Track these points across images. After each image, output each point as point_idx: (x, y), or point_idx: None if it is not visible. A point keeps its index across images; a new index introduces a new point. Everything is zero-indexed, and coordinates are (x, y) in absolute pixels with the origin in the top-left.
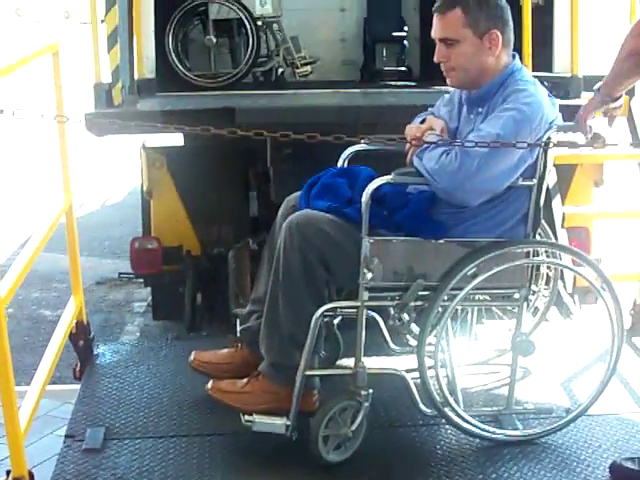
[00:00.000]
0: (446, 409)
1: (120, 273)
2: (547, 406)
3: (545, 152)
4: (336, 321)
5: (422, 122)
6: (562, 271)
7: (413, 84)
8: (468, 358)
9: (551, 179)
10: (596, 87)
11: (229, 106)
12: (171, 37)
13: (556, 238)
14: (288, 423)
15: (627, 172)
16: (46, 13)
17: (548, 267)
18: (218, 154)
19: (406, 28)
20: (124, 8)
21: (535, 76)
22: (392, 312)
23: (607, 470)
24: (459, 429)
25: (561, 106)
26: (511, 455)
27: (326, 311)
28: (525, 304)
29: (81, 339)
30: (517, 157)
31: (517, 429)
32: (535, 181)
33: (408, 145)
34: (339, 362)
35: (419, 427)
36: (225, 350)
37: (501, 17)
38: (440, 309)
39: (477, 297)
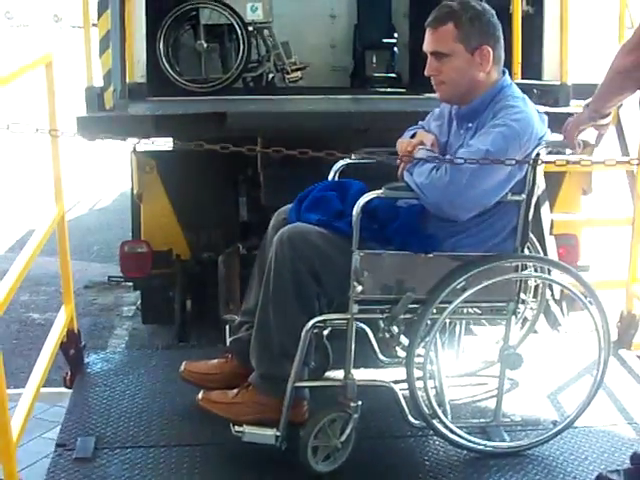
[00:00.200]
0: (434, 421)
1: (109, 277)
2: (534, 418)
3: (534, 168)
4: (325, 332)
5: (412, 136)
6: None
7: (402, 90)
8: (456, 370)
9: (540, 186)
10: (585, 103)
11: (220, 111)
12: (162, 42)
13: (544, 250)
14: (278, 434)
15: (615, 180)
16: (36, 16)
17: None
18: (208, 158)
19: (396, 35)
20: (116, 12)
21: (525, 84)
22: (382, 325)
23: None
24: (447, 440)
25: (551, 113)
26: (498, 467)
27: (316, 323)
28: (513, 317)
29: (72, 348)
30: (506, 173)
31: (504, 441)
32: (524, 196)
33: (399, 159)
34: (328, 373)
35: (407, 438)
36: (215, 361)
37: (493, 34)
38: (429, 322)
39: (466, 310)
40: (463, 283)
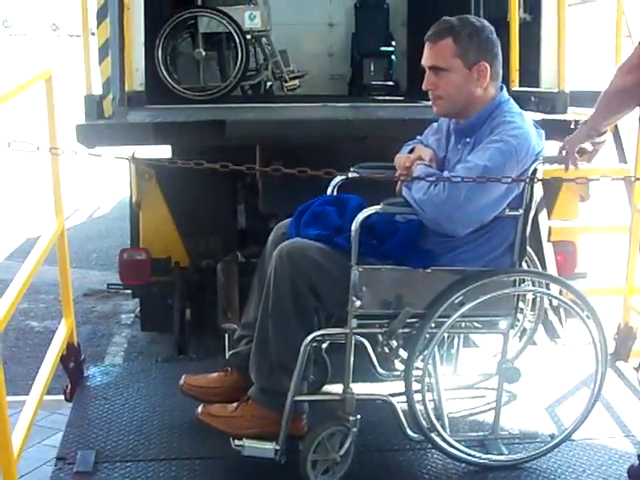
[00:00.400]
0: (433, 434)
1: (109, 284)
2: (532, 431)
3: (531, 185)
4: (324, 345)
5: (411, 151)
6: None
7: (400, 98)
8: (454, 382)
9: (537, 193)
10: (582, 121)
11: (219, 118)
12: (161, 50)
13: (542, 262)
14: (277, 447)
15: (613, 187)
16: (34, 25)
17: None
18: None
19: (394, 43)
20: (115, 21)
21: (522, 91)
22: (380, 339)
23: None
24: (445, 454)
25: (548, 121)
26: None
27: (315, 337)
28: (511, 331)
29: (72, 361)
30: (504, 188)
31: (502, 454)
32: (521, 211)
33: (398, 173)
34: (327, 386)
35: (406, 451)
36: (215, 374)
37: (491, 50)
38: (427, 336)
39: (464, 324)
40: (461, 298)
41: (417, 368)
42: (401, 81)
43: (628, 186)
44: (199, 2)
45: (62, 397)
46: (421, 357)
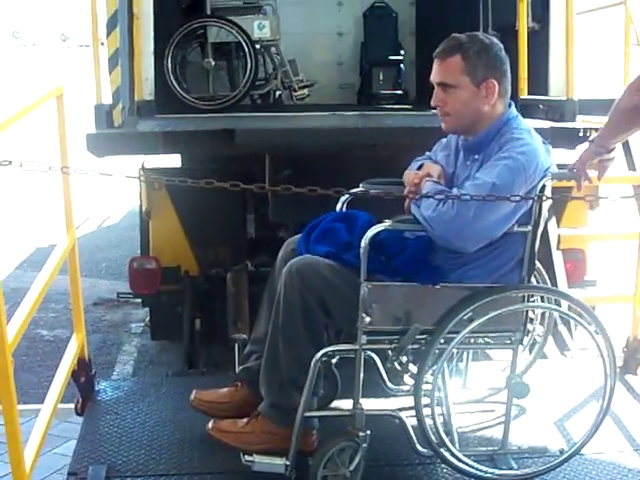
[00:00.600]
0: (442, 449)
1: (119, 293)
2: (541, 446)
3: (539, 203)
4: (334, 360)
5: (419, 167)
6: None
7: (409, 107)
8: (464, 397)
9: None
10: (591, 138)
11: (229, 127)
12: (170, 60)
13: (552, 272)
14: (287, 463)
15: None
16: (43, 36)
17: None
18: (216, 176)
19: (402, 52)
20: (125, 30)
21: (531, 99)
22: (390, 354)
23: None
24: (455, 469)
25: (557, 129)
26: None
27: (325, 354)
28: (520, 347)
29: (83, 376)
30: (512, 205)
31: (512, 468)
32: (530, 227)
33: (406, 190)
34: (337, 402)
35: (415, 466)
36: (225, 389)
37: (500, 67)
38: (437, 351)
39: (473, 340)
40: (470, 314)
41: (426, 382)
42: (410, 90)
43: (638, 193)
44: (208, 12)
45: (72, 405)
46: (430, 371)
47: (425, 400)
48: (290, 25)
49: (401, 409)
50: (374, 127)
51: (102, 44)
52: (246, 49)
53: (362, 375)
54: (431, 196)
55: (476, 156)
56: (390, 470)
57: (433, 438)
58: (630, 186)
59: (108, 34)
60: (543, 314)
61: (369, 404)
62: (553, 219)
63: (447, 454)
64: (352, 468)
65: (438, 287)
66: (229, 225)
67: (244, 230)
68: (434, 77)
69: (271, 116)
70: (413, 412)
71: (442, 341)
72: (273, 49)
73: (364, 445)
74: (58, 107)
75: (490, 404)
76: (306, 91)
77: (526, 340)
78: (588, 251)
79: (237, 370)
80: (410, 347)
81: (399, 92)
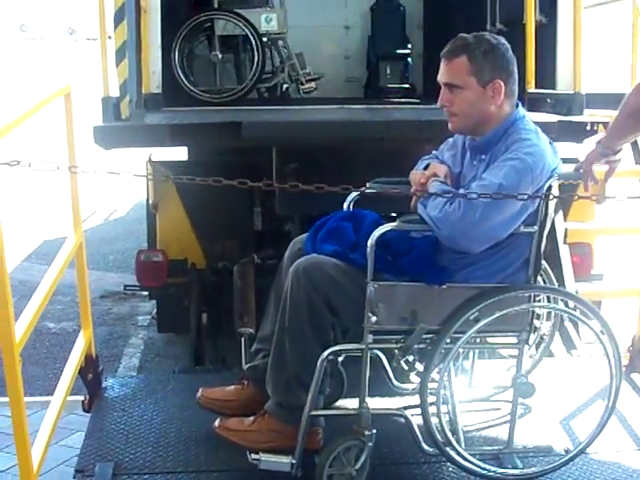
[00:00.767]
0: (447, 448)
1: (125, 285)
2: (547, 445)
3: (546, 202)
4: (340, 358)
5: (426, 167)
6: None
7: (416, 101)
8: (469, 395)
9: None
10: (597, 140)
11: (236, 120)
12: (177, 53)
13: (559, 268)
14: (293, 461)
15: (629, 188)
16: (50, 29)
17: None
18: (223, 168)
19: (410, 46)
20: (132, 23)
21: (538, 93)
22: (396, 354)
23: None
24: (460, 467)
25: (564, 122)
26: None
27: (331, 353)
28: (526, 346)
29: (90, 373)
30: (519, 206)
31: (517, 468)
32: (536, 228)
33: (412, 190)
34: (343, 401)
35: (421, 464)
36: (232, 387)
37: (506, 68)
38: (443, 351)
39: (479, 340)
40: (476, 314)
41: (433, 380)
42: (417, 83)
43: None
44: (215, 5)
45: (78, 398)
46: (437, 370)
47: (431, 398)
48: (297, 18)
49: (407, 407)
50: (381, 120)
51: (109, 37)
52: (253, 42)
53: (368, 374)
54: (439, 195)
55: (483, 156)
56: (396, 469)
57: (439, 437)
58: (637, 180)
59: (115, 27)
60: (550, 312)
61: (375, 403)
62: (560, 213)
63: (453, 453)
64: (358, 467)
65: (444, 287)
66: (236, 218)
67: (251, 223)
68: (441, 77)
69: (278, 109)
70: (419, 411)
71: (448, 341)
72: (280, 42)
73: (370, 444)
74: (66, 106)
75: (496, 402)
76: (313, 84)
77: (532, 339)
78: (595, 245)
79: (244, 365)
80: (416, 346)
81: (406, 86)
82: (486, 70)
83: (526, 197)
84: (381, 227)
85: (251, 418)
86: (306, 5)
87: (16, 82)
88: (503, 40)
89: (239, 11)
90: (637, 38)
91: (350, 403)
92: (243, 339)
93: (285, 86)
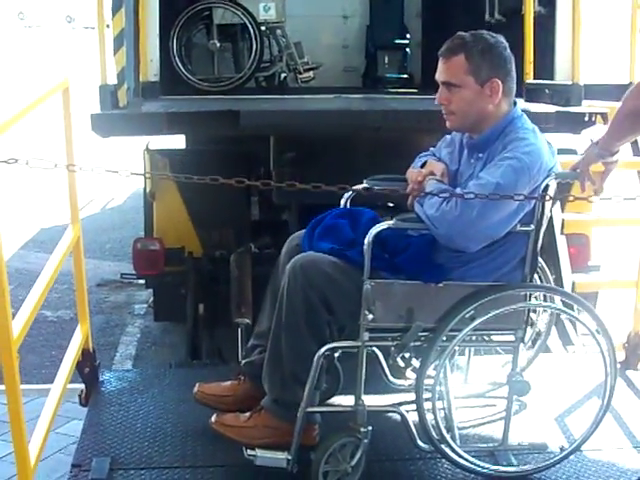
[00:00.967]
0: (443, 445)
1: (122, 274)
2: (541, 442)
3: (542, 202)
4: (337, 354)
5: (423, 165)
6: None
7: (415, 91)
8: (465, 391)
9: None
10: (594, 141)
11: (234, 109)
12: (175, 41)
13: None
14: (289, 457)
15: (626, 180)
16: (48, 17)
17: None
18: (221, 157)
19: (408, 35)
20: (130, 11)
21: (537, 84)
22: (392, 351)
23: None
24: (455, 464)
25: (562, 113)
26: None
27: (327, 350)
28: (521, 345)
29: (87, 367)
30: (516, 205)
31: (512, 465)
32: (533, 227)
33: (409, 188)
34: (339, 398)
35: (416, 461)
36: (228, 383)
37: (503, 67)
38: (439, 349)
39: (475, 337)
40: (472, 312)
41: (429, 376)
42: (415, 73)
43: None
44: None
45: (75, 386)
46: (432, 366)
47: (426, 395)
48: (296, 7)
49: (402, 403)
50: (379, 110)
51: (107, 26)
52: (251, 31)
53: (364, 371)
54: (435, 194)
55: (480, 154)
56: (391, 465)
57: (434, 434)
58: (636, 172)
59: (113, 15)
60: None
61: (371, 400)
62: (557, 204)
63: (448, 450)
64: (354, 463)
65: (441, 285)
66: (233, 207)
67: (248, 212)
68: (439, 76)
69: (276, 98)
70: (414, 407)
71: (444, 339)
72: (278, 31)
73: (365, 441)
74: (64, 100)
75: (491, 399)
76: (311, 74)
77: (528, 336)
78: (592, 236)
79: (240, 356)
80: (412, 344)
81: (404, 76)
82: (484, 69)
83: (522, 198)
84: (378, 225)
85: (247, 414)
86: None
87: (14, 70)
88: (501, 38)
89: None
90: (635, 29)
91: (346, 400)
92: (240, 329)
93: (283, 75)
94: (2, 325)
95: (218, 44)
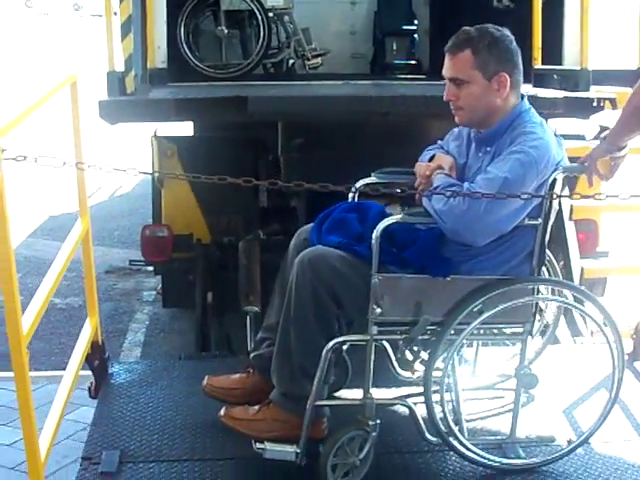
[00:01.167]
0: (451, 438)
1: (131, 260)
2: (549, 435)
3: (550, 201)
4: (345, 346)
5: (431, 158)
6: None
7: (423, 77)
8: (473, 383)
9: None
10: (602, 136)
11: (241, 95)
12: (183, 28)
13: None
14: (298, 450)
15: (635, 165)
16: (56, 5)
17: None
18: (229, 143)
19: (416, 22)
20: None
21: (545, 69)
22: (400, 344)
23: None
24: (463, 457)
25: (570, 98)
26: None
27: (336, 344)
28: (529, 338)
29: (96, 359)
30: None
31: (520, 457)
32: (540, 220)
33: (417, 182)
34: (348, 391)
35: (425, 453)
36: (237, 375)
37: (510, 60)
38: (447, 342)
39: (483, 331)
40: (480, 306)
41: (437, 368)
42: (423, 60)
43: None
44: None
45: (84, 372)
46: (441, 359)
47: (435, 387)
48: None
49: (410, 395)
50: (387, 95)
51: (115, 14)
52: (259, 17)
53: (372, 365)
54: (442, 194)
55: (488, 148)
56: (399, 457)
57: (442, 427)
58: None
59: (120, 2)
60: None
61: (379, 393)
62: (566, 189)
63: (456, 443)
64: (362, 456)
65: (449, 279)
66: (241, 193)
67: (256, 198)
68: (445, 72)
69: (284, 84)
70: (422, 400)
71: (452, 332)
72: (286, 17)
73: (374, 434)
74: (72, 95)
75: (499, 391)
76: (319, 60)
77: (536, 327)
78: (600, 222)
79: (249, 344)
80: (420, 337)
81: (412, 62)
82: (491, 63)
83: (530, 196)
84: (386, 220)
85: (256, 407)
86: None
87: (21, 59)
88: (507, 32)
89: None
90: None
91: (354, 393)
92: (249, 317)
93: (291, 62)
94: (12, 316)
95: (226, 31)
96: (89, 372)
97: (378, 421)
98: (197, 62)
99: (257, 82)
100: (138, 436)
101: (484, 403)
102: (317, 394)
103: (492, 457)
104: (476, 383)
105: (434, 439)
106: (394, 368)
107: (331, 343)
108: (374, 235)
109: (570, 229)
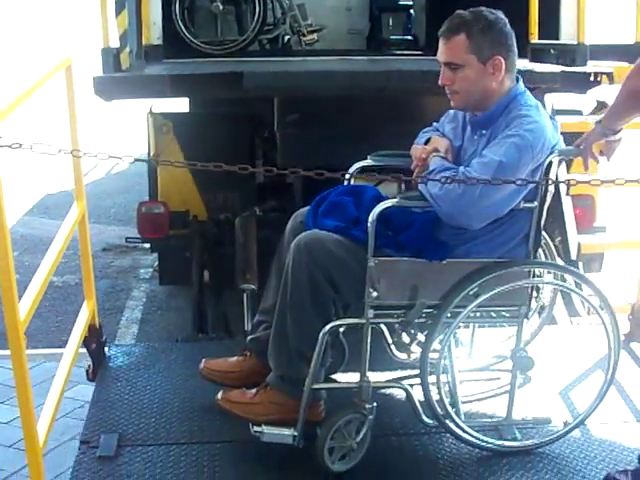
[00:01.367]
0: (447, 420)
1: (127, 237)
2: (545, 417)
3: (546, 175)
4: (342, 329)
5: (427, 141)
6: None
7: (419, 53)
8: (469, 365)
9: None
10: (597, 120)
11: (237, 70)
12: (178, 4)
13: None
14: (295, 434)
15: (632, 140)
16: None
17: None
18: (225, 119)
19: None
20: None
21: (542, 44)
22: (397, 328)
23: None
24: (459, 439)
25: (567, 73)
26: (509, 465)
27: (332, 327)
28: (525, 321)
29: (94, 342)
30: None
31: (516, 439)
32: (536, 204)
33: (414, 165)
34: (344, 374)
35: (421, 435)
36: (234, 358)
37: (505, 43)
38: (443, 325)
39: (479, 314)
40: (476, 289)
41: (433, 350)
42: (420, 36)
43: None
44: None
45: (80, 350)
46: (437, 341)
47: (431, 369)
48: None
49: (406, 378)
50: (383, 71)
51: None
52: None
53: (369, 348)
54: (438, 180)
55: (483, 131)
56: (396, 439)
57: (439, 410)
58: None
59: None
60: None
61: (376, 376)
62: (563, 165)
63: (452, 425)
64: (359, 439)
65: (445, 263)
66: None
67: (252, 175)
68: (440, 57)
69: (280, 60)
70: (419, 382)
71: (448, 315)
72: None
73: (371, 417)
74: (67, 79)
75: (495, 372)
76: (315, 36)
77: (533, 307)
78: (597, 197)
79: (246, 323)
80: (417, 321)
81: (409, 38)
82: (485, 47)
83: (525, 182)
84: (382, 203)
85: (253, 390)
86: None
87: (14, 33)
88: (501, 14)
89: None
90: None
91: (351, 376)
92: (245, 295)
93: (287, 38)
94: (8, 295)
95: (221, 7)
96: (84, 350)
97: (375, 404)
98: (192, 38)
99: (253, 58)
100: (136, 419)
101: (480, 385)
102: (314, 377)
103: (488, 439)
104: (472, 365)
105: (430, 421)
106: (391, 351)
107: (328, 326)
108: (370, 219)
109: (567, 205)
